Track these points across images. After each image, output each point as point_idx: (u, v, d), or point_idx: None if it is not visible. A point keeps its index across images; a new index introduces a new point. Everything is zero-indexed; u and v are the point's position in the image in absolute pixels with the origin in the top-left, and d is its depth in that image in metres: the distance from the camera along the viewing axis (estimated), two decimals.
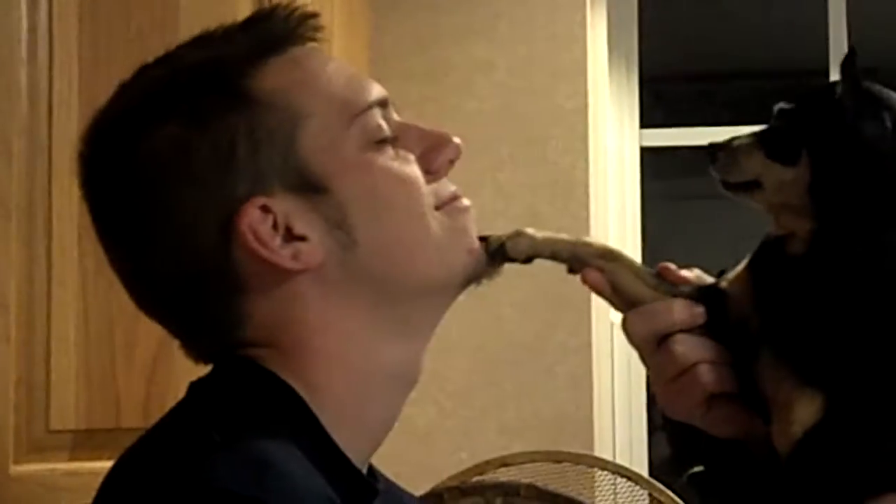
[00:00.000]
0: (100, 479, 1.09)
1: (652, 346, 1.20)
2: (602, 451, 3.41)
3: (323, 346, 1.12)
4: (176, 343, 1.18)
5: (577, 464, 3.07)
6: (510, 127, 3.45)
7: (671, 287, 1.22)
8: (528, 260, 1.23)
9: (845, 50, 3.51)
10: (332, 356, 1.12)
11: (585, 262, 1.23)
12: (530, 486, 2.74)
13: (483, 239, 1.21)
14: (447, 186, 1.19)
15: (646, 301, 1.21)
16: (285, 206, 1.10)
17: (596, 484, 3.10)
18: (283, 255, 1.10)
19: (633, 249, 3.62)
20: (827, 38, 3.67)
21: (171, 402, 1.13)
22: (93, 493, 1.09)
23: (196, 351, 1.17)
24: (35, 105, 2.10)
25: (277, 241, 1.10)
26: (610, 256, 1.24)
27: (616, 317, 1.28)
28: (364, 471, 1.15)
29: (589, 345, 3.38)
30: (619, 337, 1.25)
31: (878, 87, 1.21)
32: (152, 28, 2.12)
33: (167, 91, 1.12)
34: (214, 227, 1.09)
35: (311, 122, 1.12)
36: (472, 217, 1.20)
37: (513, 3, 3.48)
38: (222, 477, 0.99)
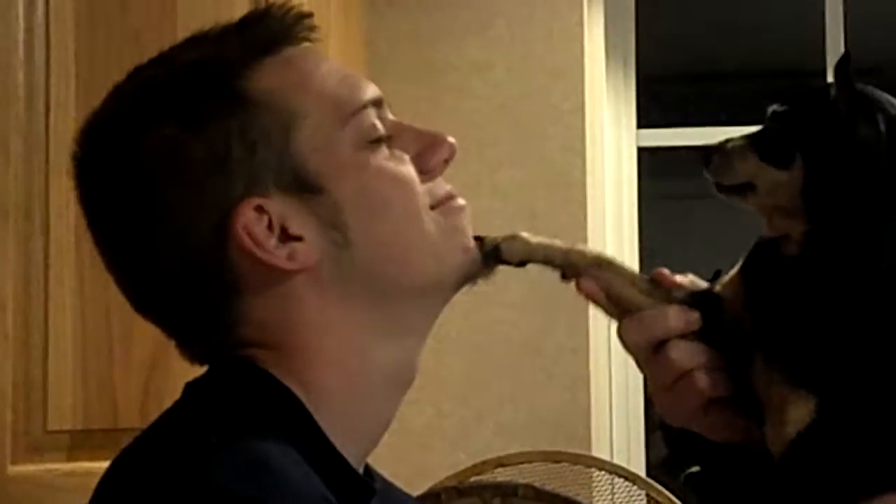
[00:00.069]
0: (97, 480, 1.09)
1: (648, 353, 1.20)
2: (599, 451, 3.41)
3: (319, 346, 1.12)
4: (174, 343, 1.18)
5: (575, 464, 3.07)
6: (507, 127, 3.45)
7: (666, 293, 1.22)
8: (521, 264, 1.23)
9: (842, 50, 3.52)
10: (328, 356, 1.12)
11: (579, 269, 1.23)
12: (528, 487, 2.74)
13: (478, 239, 1.21)
14: (442, 186, 1.19)
15: (641, 308, 1.21)
16: (280, 206, 1.10)
17: (593, 484, 3.10)
18: (278, 255, 1.10)
19: (630, 249, 3.62)
20: (824, 39, 3.67)
21: (168, 403, 1.13)
22: (91, 494, 1.09)
23: (192, 351, 1.17)
24: (32, 105, 2.10)
25: (273, 241, 1.10)
26: (603, 264, 1.23)
27: None
28: (361, 471, 1.15)
29: (586, 345, 3.38)
30: (616, 337, 1.25)
31: (871, 90, 1.21)
32: (149, 29, 2.12)
33: (162, 92, 1.12)
34: (209, 227, 1.09)
35: (305, 122, 1.12)
36: (467, 216, 1.20)
37: (510, 2, 3.48)
38: (219, 477, 0.99)
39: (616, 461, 3.32)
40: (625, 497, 3.07)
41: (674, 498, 2.94)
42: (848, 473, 1.13)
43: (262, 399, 1.09)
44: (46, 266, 2.09)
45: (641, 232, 3.66)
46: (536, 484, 2.81)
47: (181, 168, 1.10)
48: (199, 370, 1.16)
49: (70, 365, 2.08)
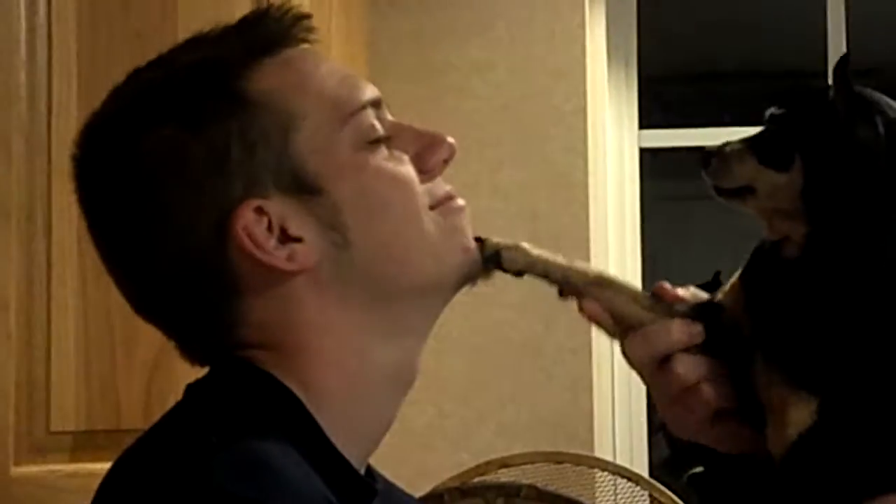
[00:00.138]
0: (100, 481, 1.09)
1: (653, 368, 1.20)
2: (602, 451, 3.41)
3: (319, 346, 1.12)
4: (174, 344, 1.18)
5: (578, 465, 3.07)
6: (509, 128, 3.45)
7: (668, 307, 1.22)
8: (519, 274, 1.23)
9: (844, 51, 3.52)
10: (329, 357, 1.12)
11: (576, 287, 1.23)
12: (531, 487, 2.74)
13: (479, 240, 1.21)
14: (441, 186, 1.19)
15: (644, 323, 1.21)
16: (280, 207, 1.10)
17: (596, 485, 3.10)
18: (278, 256, 1.10)
19: (632, 250, 3.62)
20: (826, 39, 3.68)
21: (171, 404, 1.13)
22: (93, 495, 1.09)
23: (192, 353, 1.17)
24: (34, 106, 2.10)
25: (272, 242, 1.10)
26: (603, 282, 1.23)
27: None
28: (362, 471, 1.15)
29: (589, 345, 3.38)
30: (620, 354, 1.25)
31: (869, 91, 1.21)
32: (151, 29, 2.13)
33: (161, 93, 1.13)
34: (209, 229, 1.09)
35: (304, 123, 1.12)
36: (466, 217, 1.20)
37: (511, 3, 3.48)
38: (220, 478, 0.99)
39: (619, 462, 3.32)
40: (627, 498, 3.07)
41: (676, 498, 2.93)
42: (849, 474, 1.13)
43: (262, 400, 1.09)
44: (49, 267, 2.09)
45: (643, 233, 3.67)
46: (539, 485, 2.81)
47: (181, 169, 1.10)
48: (202, 371, 1.16)
49: (73, 366, 2.08)
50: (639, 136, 3.69)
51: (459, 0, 3.50)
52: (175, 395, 1.14)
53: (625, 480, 3.06)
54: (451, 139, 1.20)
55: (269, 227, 1.10)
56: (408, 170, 1.16)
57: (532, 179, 3.43)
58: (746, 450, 1.21)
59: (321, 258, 1.11)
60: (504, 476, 2.97)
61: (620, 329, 1.23)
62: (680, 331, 1.20)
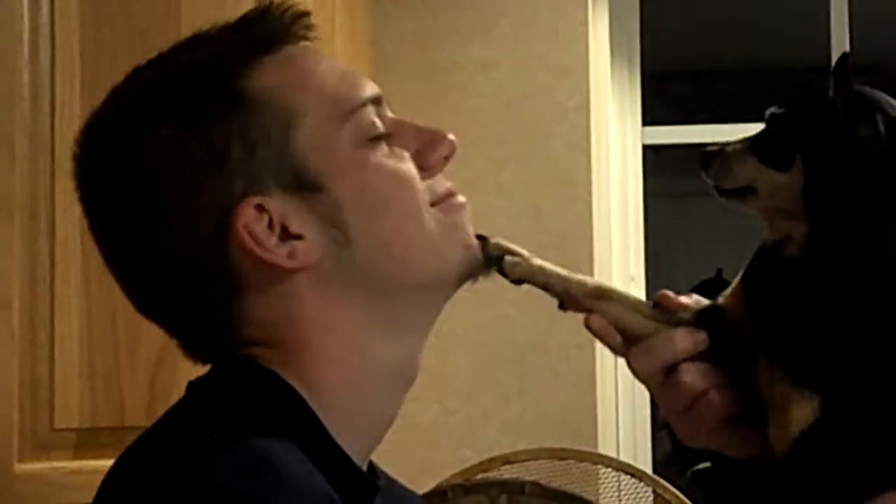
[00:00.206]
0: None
1: (659, 379, 1.21)
2: (606, 448, 3.41)
3: (320, 343, 1.12)
4: (176, 342, 1.18)
5: (581, 461, 3.07)
6: (512, 125, 3.45)
7: (670, 316, 1.22)
8: (519, 282, 1.24)
9: (847, 47, 3.51)
10: (330, 354, 1.12)
11: (577, 300, 1.23)
12: (534, 484, 2.74)
13: (482, 238, 1.21)
14: (442, 183, 1.19)
15: (647, 333, 1.21)
16: (281, 205, 1.10)
17: (600, 481, 3.10)
18: (279, 253, 1.10)
19: (635, 247, 3.62)
20: (829, 35, 3.67)
21: (175, 401, 1.14)
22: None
23: (194, 351, 1.17)
24: (37, 105, 2.10)
25: (273, 240, 1.10)
26: (603, 294, 1.23)
27: None
28: (364, 468, 1.16)
29: (592, 342, 3.35)
30: (627, 369, 1.25)
31: (870, 90, 1.21)
32: (154, 28, 2.12)
33: (161, 92, 1.13)
34: (210, 227, 1.10)
35: (305, 120, 1.12)
36: (467, 213, 1.20)
37: (515, 2, 3.48)
38: (222, 476, 0.99)
39: (622, 458, 3.32)
40: (631, 494, 3.07)
41: (680, 494, 2.94)
42: (851, 472, 1.13)
43: (264, 397, 1.10)
44: (52, 266, 2.09)
45: (646, 230, 3.66)
46: (543, 481, 2.81)
47: (181, 168, 1.10)
48: (206, 369, 1.16)
49: (76, 363, 2.08)
50: (642, 132, 3.69)
51: None
52: (179, 393, 1.14)
53: (629, 477, 3.06)
54: (451, 136, 1.19)
55: (270, 225, 1.10)
56: (408, 167, 1.16)
57: (535, 177, 3.43)
58: (758, 455, 1.21)
59: (322, 255, 1.11)
60: (508, 473, 2.97)
61: (625, 341, 1.23)
62: (684, 339, 1.20)
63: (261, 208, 1.10)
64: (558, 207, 3.42)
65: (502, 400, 3.41)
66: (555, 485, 2.79)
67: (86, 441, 2.09)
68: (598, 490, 3.07)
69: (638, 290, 3.58)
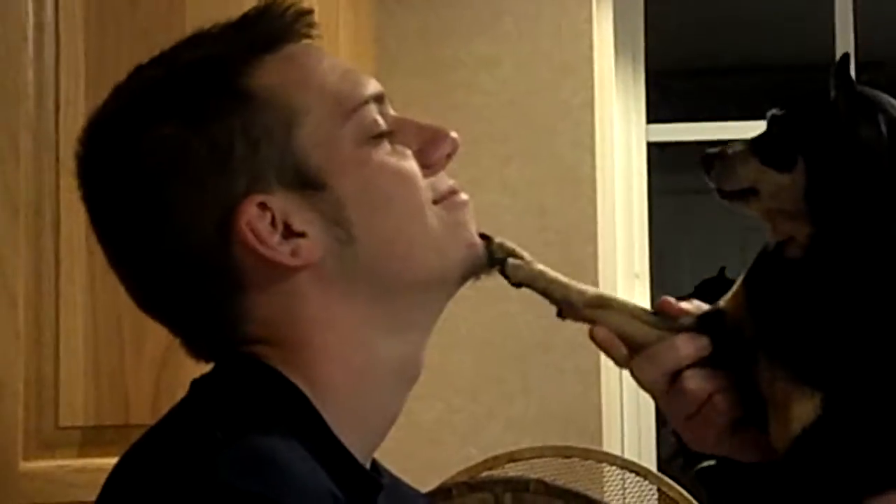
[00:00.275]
0: None
1: (664, 387, 1.21)
2: (610, 446, 3.41)
3: (323, 341, 1.12)
4: (179, 341, 1.18)
5: (586, 459, 3.07)
6: (516, 123, 3.45)
7: (672, 322, 1.22)
8: (518, 285, 1.24)
9: (851, 43, 3.50)
10: (333, 352, 1.12)
11: (576, 308, 1.23)
12: (539, 482, 2.74)
13: (485, 237, 1.21)
14: (445, 180, 1.19)
15: (650, 341, 1.21)
16: (283, 203, 1.10)
17: (604, 479, 3.10)
18: (281, 251, 1.10)
19: (640, 245, 3.62)
20: (833, 32, 3.67)
21: (180, 399, 1.14)
22: None
23: (198, 349, 1.17)
24: (42, 103, 2.10)
25: (276, 238, 1.10)
26: (604, 304, 1.23)
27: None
28: (367, 466, 1.16)
29: None
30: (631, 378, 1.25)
31: (871, 90, 1.21)
32: (158, 26, 2.12)
33: (163, 91, 1.13)
34: (213, 225, 1.10)
35: (307, 118, 1.12)
36: (470, 211, 1.20)
37: None
38: (226, 473, 0.99)
39: (627, 456, 3.32)
40: (636, 492, 3.07)
41: (685, 492, 2.94)
42: (853, 470, 1.13)
43: (267, 395, 1.10)
44: (57, 263, 2.09)
45: (651, 227, 3.66)
46: (547, 479, 2.80)
47: (183, 166, 1.10)
48: (210, 367, 1.16)
49: (81, 361, 2.09)
50: (646, 130, 3.69)
51: None
52: (184, 391, 1.14)
53: (633, 475, 3.06)
54: (453, 133, 1.19)
55: (273, 223, 1.10)
56: (411, 164, 1.16)
57: (540, 174, 3.43)
58: (766, 458, 1.21)
59: (325, 253, 1.11)
60: (512, 470, 2.97)
61: (628, 350, 1.22)
62: (686, 346, 1.20)
63: (263, 206, 1.10)
64: (562, 204, 3.41)
65: (507, 398, 3.41)
66: (559, 483, 2.79)
67: (91, 439, 2.09)
68: (602, 488, 3.07)
69: (642, 288, 3.58)
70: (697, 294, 1.33)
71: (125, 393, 2.09)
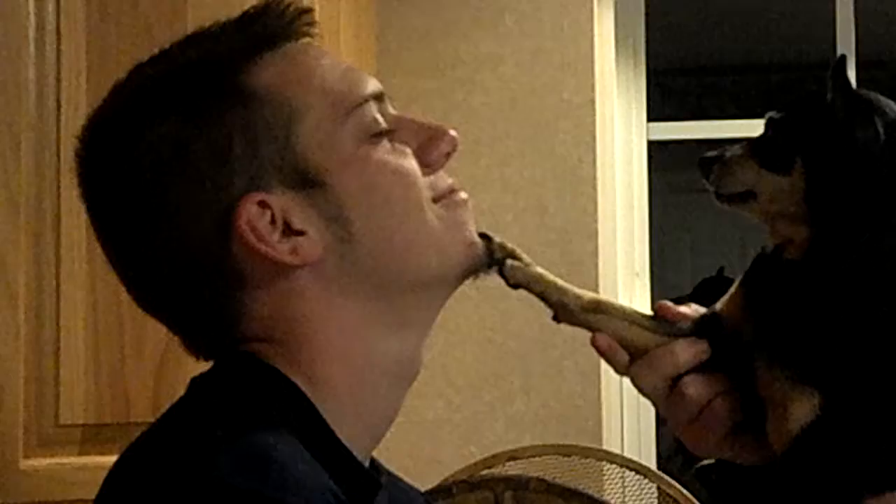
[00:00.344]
0: None
1: (664, 392, 1.21)
2: (610, 444, 3.41)
3: (323, 340, 1.12)
4: (179, 339, 1.18)
5: (586, 457, 3.07)
6: (517, 121, 3.45)
7: (670, 326, 1.22)
8: (515, 286, 1.24)
9: (852, 43, 3.50)
10: (332, 350, 1.12)
11: (572, 313, 1.23)
12: (539, 480, 2.74)
13: (485, 237, 1.21)
14: (444, 179, 1.19)
15: (648, 346, 1.21)
16: (283, 201, 1.10)
17: (604, 477, 3.10)
18: (281, 249, 1.10)
19: (640, 243, 3.62)
20: (834, 31, 3.67)
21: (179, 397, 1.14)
22: None
23: (197, 347, 1.17)
24: (43, 100, 2.10)
25: (275, 236, 1.10)
26: (600, 308, 1.23)
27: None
28: (366, 464, 1.16)
29: None
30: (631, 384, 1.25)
31: (867, 92, 1.21)
32: (160, 24, 2.13)
33: (162, 89, 1.13)
34: (212, 223, 1.10)
35: (306, 117, 1.12)
36: (470, 210, 1.19)
37: None
38: (225, 471, 0.99)
39: (627, 454, 3.32)
40: (635, 490, 3.07)
41: (684, 491, 2.94)
42: (852, 470, 1.13)
43: (267, 393, 1.10)
44: (58, 261, 2.09)
45: (651, 225, 3.66)
46: (547, 477, 2.81)
47: (183, 164, 1.10)
48: (210, 365, 1.16)
49: (81, 359, 2.09)
50: (647, 128, 3.69)
51: None
52: (184, 389, 1.14)
53: (633, 473, 3.06)
54: (453, 132, 1.19)
55: (273, 221, 1.10)
56: (410, 163, 1.16)
57: (540, 172, 3.43)
58: (767, 461, 1.21)
59: (324, 252, 1.11)
60: (512, 469, 2.97)
61: (626, 354, 1.22)
62: (685, 351, 1.20)
63: (263, 204, 1.10)
64: (563, 203, 3.41)
65: (507, 396, 3.41)
66: (559, 481, 2.79)
67: (91, 437, 2.09)
68: (602, 486, 3.07)
69: (643, 286, 3.58)
70: (697, 293, 1.33)
71: (125, 391, 2.10)
